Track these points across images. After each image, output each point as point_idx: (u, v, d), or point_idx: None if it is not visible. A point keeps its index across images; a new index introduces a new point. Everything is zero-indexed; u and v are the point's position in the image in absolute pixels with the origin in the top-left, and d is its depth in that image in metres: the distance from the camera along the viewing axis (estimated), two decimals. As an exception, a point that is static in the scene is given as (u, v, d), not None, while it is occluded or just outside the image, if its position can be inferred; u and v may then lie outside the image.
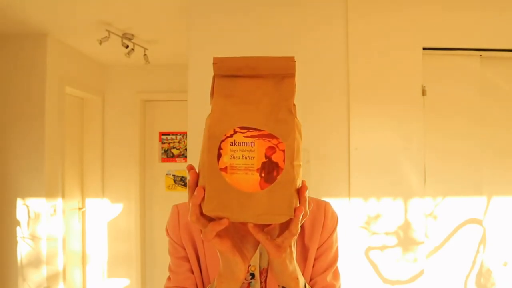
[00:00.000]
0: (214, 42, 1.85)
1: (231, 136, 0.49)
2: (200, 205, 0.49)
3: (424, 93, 1.83)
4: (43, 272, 2.48)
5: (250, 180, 0.48)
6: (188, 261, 0.76)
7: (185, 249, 0.76)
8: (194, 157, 1.81)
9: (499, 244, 1.90)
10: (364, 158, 1.81)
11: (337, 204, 1.81)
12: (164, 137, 3.42)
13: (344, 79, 1.84)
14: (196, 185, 0.51)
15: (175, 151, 3.41)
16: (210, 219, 0.50)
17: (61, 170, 2.67)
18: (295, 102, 0.52)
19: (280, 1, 1.86)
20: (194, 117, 1.82)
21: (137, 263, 3.27)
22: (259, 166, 0.48)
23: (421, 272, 1.81)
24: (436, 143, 1.86)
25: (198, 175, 0.51)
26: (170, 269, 0.78)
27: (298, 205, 0.50)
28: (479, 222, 1.86)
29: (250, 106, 0.51)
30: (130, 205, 3.30)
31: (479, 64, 1.89)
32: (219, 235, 0.52)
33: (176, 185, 3.38)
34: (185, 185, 3.35)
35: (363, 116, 1.83)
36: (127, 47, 2.58)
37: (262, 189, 0.48)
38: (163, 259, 3.32)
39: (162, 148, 3.42)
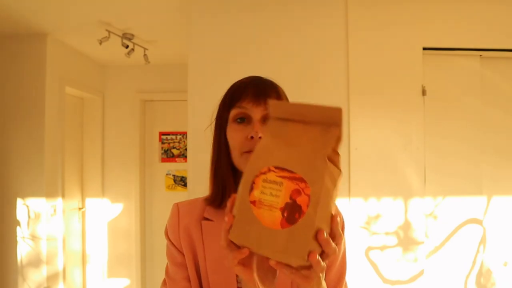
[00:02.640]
0: (214, 42, 1.85)
1: (265, 173, 0.53)
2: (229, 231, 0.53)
3: (424, 93, 1.83)
4: (43, 272, 2.48)
5: (273, 216, 0.51)
6: (186, 268, 0.75)
7: (183, 254, 0.76)
8: (194, 157, 1.81)
9: (499, 244, 1.90)
10: (364, 158, 1.81)
11: (337, 204, 1.81)
12: (164, 137, 3.42)
13: (344, 79, 1.84)
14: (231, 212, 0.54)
15: (175, 151, 3.41)
16: (238, 247, 0.53)
17: (61, 170, 2.67)
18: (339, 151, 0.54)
19: (280, 1, 1.86)
20: (194, 117, 1.82)
21: (137, 263, 3.27)
22: (283, 205, 0.50)
23: (421, 272, 1.81)
24: (436, 143, 1.86)
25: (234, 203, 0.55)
26: (167, 273, 0.78)
27: (319, 249, 0.50)
28: (479, 222, 1.86)
29: (292, 149, 0.54)
30: (130, 205, 3.29)
31: (479, 64, 1.89)
32: (242, 263, 0.55)
33: (176, 185, 3.38)
34: (185, 185, 3.35)
35: (363, 116, 1.83)
36: (127, 47, 2.58)
37: (283, 228, 0.50)
38: (163, 259, 3.30)
39: (162, 148, 3.42)
